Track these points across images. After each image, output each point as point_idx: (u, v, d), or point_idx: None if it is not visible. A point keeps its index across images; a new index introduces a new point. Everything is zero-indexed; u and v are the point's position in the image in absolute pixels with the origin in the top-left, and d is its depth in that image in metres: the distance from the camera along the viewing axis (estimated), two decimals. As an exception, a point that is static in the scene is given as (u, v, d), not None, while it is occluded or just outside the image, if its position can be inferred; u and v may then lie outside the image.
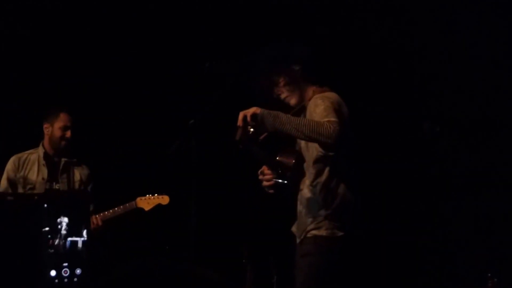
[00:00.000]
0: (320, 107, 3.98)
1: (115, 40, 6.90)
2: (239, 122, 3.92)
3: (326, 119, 3.88)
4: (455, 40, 6.12)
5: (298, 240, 4.21)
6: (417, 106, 6.22)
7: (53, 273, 4.44)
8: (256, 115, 3.89)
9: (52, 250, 4.46)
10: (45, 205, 4.29)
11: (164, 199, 5.94)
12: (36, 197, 4.82)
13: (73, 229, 4.50)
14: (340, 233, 4.04)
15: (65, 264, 4.44)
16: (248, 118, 3.90)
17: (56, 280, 4.41)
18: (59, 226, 4.46)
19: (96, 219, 5.70)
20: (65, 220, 4.46)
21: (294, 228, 4.29)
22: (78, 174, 5.88)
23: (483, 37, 6.07)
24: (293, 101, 4.24)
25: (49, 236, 4.44)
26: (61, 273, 4.43)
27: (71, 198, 4.63)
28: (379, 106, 6.30)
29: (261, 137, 4.02)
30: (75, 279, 4.44)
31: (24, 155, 5.85)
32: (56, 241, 4.46)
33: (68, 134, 5.76)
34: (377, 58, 6.37)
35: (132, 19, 6.89)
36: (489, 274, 5.16)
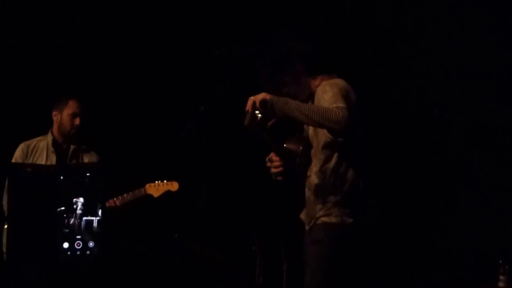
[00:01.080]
0: (328, 94, 4.02)
1: (125, 25, 6.92)
2: (248, 108, 3.98)
3: (334, 105, 3.93)
4: (469, 28, 6.13)
5: (307, 227, 4.26)
6: (427, 93, 6.22)
7: (65, 245, 4.51)
8: (266, 101, 3.94)
9: (67, 230, 4.53)
10: (61, 177, 4.35)
11: (173, 186, 5.98)
12: (52, 169, 4.90)
13: (88, 209, 4.57)
14: (350, 220, 4.09)
15: (78, 237, 4.51)
16: (257, 104, 3.94)
17: (69, 252, 4.49)
18: (75, 206, 4.53)
19: (109, 205, 5.79)
20: (80, 200, 4.52)
21: (302, 215, 4.34)
22: (87, 160, 5.94)
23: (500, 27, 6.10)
24: (302, 96, 4.27)
25: (65, 215, 4.51)
26: (74, 245, 4.50)
27: (87, 171, 4.68)
28: (388, 93, 6.32)
29: (269, 123, 4.06)
30: (88, 252, 4.51)
31: (33, 142, 5.92)
32: (72, 221, 4.53)
33: (77, 121, 5.82)
34: (385, 45, 6.38)
35: (142, 4, 6.92)
36: (501, 261, 5.21)
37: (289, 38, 4.29)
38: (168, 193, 5.98)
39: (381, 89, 6.29)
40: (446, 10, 6.18)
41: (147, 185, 5.94)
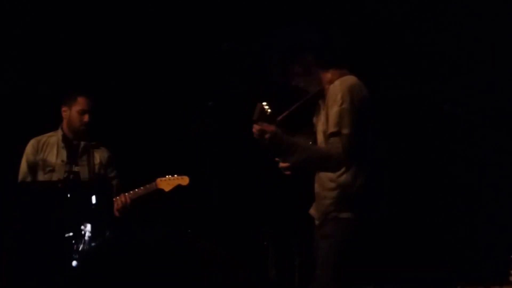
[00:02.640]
0: (335, 108, 4.11)
1: (135, 21, 6.97)
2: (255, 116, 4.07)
3: (337, 130, 4.07)
4: (482, 22, 6.13)
5: (317, 222, 4.33)
6: (438, 87, 6.20)
7: (74, 263, 4.60)
8: (270, 136, 4.05)
9: (77, 256, 4.61)
10: (68, 195, 4.41)
11: (184, 180, 6.00)
12: (60, 185, 4.99)
13: (96, 234, 4.63)
14: (360, 215, 4.16)
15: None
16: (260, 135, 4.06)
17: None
18: (82, 232, 4.62)
19: (125, 197, 5.86)
20: (88, 227, 4.61)
21: (312, 210, 4.41)
22: (98, 156, 6.03)
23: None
24: (312, 88, 4.33)
25: (73, 241, 4.58)
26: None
27: (93, 188, 4.74)
28: (398, 87, 6.31)
29: (279, 118, 4.15)
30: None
31: (43, 138, 6.01)
32: (81, 247, 4.62)
33: (86, 118, 5.90)
34: (395, 38, 6.37)
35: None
36: None
37: (299, 29, 4.33)
38: (179, 187, 6.01)
39: (392, 84, 6.28)
40: (460, 4, 6.23)
41: (158, 180, 5.98)
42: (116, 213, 5.85)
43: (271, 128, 4.06)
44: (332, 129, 4.12)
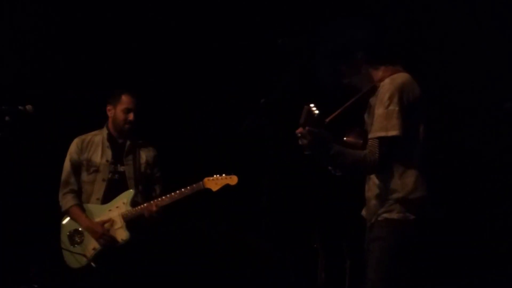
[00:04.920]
0: (381, 109, 4.14)
1: (182, 18, 7.09)
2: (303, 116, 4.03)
3: (381, 134, 4.11)
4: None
5: (368, 224, 4.34)
6: (498, 85, 6.14)
7: None
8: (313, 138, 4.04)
9: None
10: None
11: (233, 179, 6.00)
12: None
13: None
14: (412, 217, 4.15)
15: None
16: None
17: None
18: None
19: (151, 205, 5.91)
20: None
21: (364, 212, 4.42)
22: (144, 155, 6.12)
23: None
24: (363, 86, 4.33)
25: None
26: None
27: None
28: (456, 85, 6.28)
29: (327, 120, 4.13)
30: None
31: (87, 136, 6.12)
32: None
33: (131, 116, 6.00)
34: (453, 34, 6.31)
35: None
36: None
37: (349, 26, 4.33)
38: (227, 187, 6.03)
39: (449, 81, 6.26)
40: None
41: (206, 179, 6.00)
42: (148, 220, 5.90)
43: (315, 132, 4.05)
44: (373, 133, 4.14)
